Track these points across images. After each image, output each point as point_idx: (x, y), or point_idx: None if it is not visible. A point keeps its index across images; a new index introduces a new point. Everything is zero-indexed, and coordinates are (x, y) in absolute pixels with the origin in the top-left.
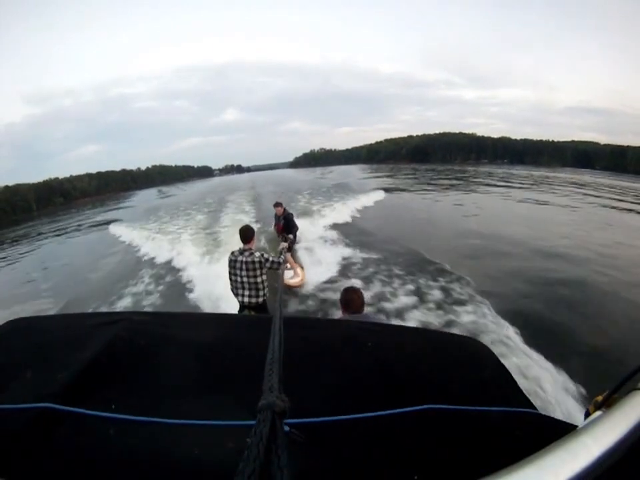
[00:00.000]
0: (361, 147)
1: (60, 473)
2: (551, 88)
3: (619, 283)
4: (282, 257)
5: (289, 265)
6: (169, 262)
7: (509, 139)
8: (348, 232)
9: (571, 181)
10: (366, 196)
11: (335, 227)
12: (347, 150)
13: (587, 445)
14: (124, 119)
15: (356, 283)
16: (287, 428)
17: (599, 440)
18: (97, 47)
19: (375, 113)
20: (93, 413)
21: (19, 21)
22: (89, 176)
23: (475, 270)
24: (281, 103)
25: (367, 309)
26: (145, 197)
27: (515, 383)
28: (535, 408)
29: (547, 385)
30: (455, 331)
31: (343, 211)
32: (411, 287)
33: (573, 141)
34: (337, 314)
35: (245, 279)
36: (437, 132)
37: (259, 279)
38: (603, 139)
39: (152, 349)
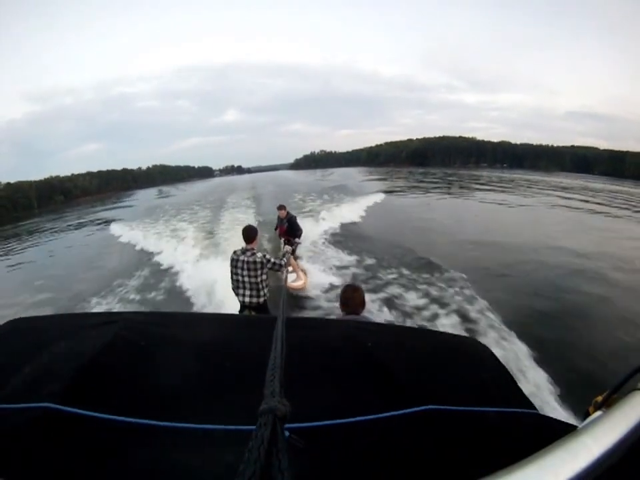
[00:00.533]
0: (361, 150)
1: (60, 473)
2: (552, 92)
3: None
4: (284, 259)
5: (291, 269)
6: (168, 261)
7: (509, 144)
8: (346, 233)
9: (553, 184)
10: (359, 198)
11: (333, 227)
12: (347, 152)
13: (587, 445)
14: (125, 118)
15: (356, 282)
16: (287, 433)
17: (599, 440)
18: (98, 46)
19: (375, 116)
20: (93, 414)
21: (20, 20)
22: (90, 174)
23: (456, 263)
24: (281, 104)
25: (366, 311)
26: (145, 197)
27: (515, 383)
28: (535, 408)
29: (547, 385)
30: (454, 331)
31: (341, 213)
32: (399, 278)
33: (572, 146)
34: (338, 314)
35: (245, 279)
36: (437, 136)
37: (259, 279)
38: (603, 144)
39: (152, 349)
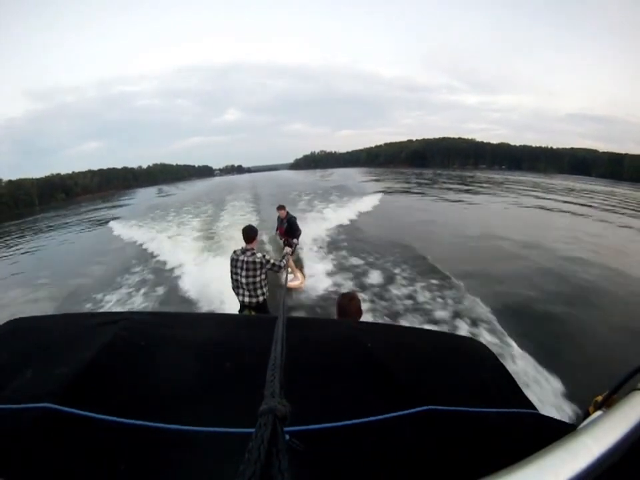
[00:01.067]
0: (361, 150)
1: (60, 473)
2: (552, 94)
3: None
4: (283, 261)
5: (289, 269)
6: (168, 260)
7: (508, 145)
8: (342, 231)
9: (542, 185)
10: (355, 199)
11: (331, 227)
12: (347, 153)
13: (587, 445)
14: (126, 117)
15: (352, 282)
16: (287, 437)
17: (599, 440)
18: (99, 45)
19: (376, 117)
20: (93, 414)
21: (21, 19)
22: (91, 172)
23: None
24: (282, 104)
25: (363, 318)
26: (146, 196)
27: (515, 383)
28: (535, 408)
29: (547, 385)
30: (455, 331)
31: (338, 212)
32: (396, 276)
33: (571, 148)
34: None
35: (244, 279)
36: (437, 137)
37: (257, 279)
38: (602, 146)
39: (152, 349)
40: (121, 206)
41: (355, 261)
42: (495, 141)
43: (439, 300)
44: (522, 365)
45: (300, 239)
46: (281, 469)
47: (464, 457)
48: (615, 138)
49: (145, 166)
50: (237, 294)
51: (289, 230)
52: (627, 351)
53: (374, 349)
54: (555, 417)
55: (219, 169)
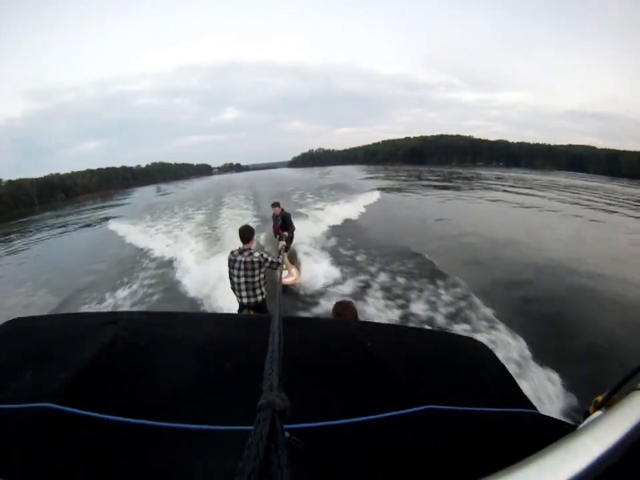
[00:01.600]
0: (359, 148)
1: (60, 473)
2: (551, 91)
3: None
4: (280, 256)
5: (284, 266)
6: (167, 259)
7: (506, 142)
8: (338, 230)
9: (527, 181)
10: (350, 196)
11: (329, 225)
12: (345, 150)
13: (587, 445)
14: (125, 116)
15: (350, 280)
16: (286, 434)
17: (599, 440)
18: (98, 45)
19: (374, 114)
20: (93, 414)
21: (20, 19)
22: (90, 172)
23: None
24: (281, 102)
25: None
26: (144, 195)
27: (515, 383)
28: (535, 408)
29: (547, 386)
30: (454, 331)
31: (336, 210)
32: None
33: (569, 145)
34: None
35: (242, 279)
36: (435, 134)
37: (256, 279)
38: (601, 143)
39: (152, 348)
40: (119, 205)
41: (353, 257)
42: (493, 138)
43: (434, 296)
44: (522, 365)
45: (297, 236)
46: (280, 465)
47: (464, 456)
48: (615, 135)
49: (143, 165)
50: (236, 294)
51: (283, 226)
52: (627, 350)
53: (374, 349)
54: (555, 417)
55: (218, 168)
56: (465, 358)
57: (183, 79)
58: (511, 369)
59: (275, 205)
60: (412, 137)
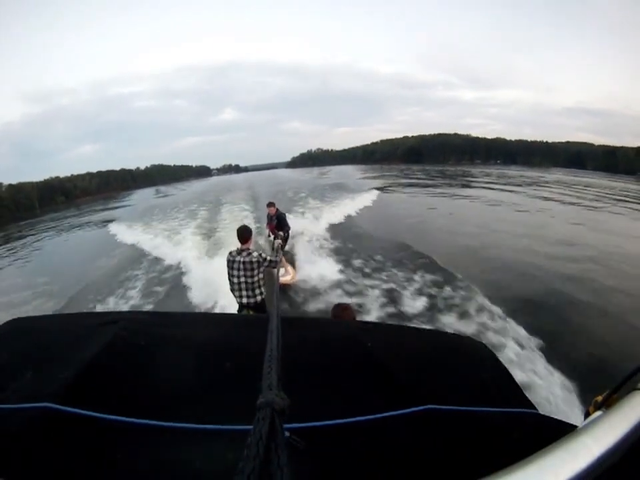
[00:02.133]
0: (357, 148)
1: (60, 473)
2: (549, 89)
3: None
4: (279, 256)
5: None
6: (167, 261)
7: (503, 140)
8: (340, 229)
9: (508, 177)
10: (348, 195)
11: (328, 224)
12: (344, 150)
13: (587, 445)
14: (123, 118)
15: (349, 277)
16: (286, 434)
17: (599, 440)
18: (97, 47)
19: (373, 114)
20: (93, 414)
21: (19, 20)
22: (90, 175)
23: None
24: (280, 102)
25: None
26: (144, 196)
27: (515, 383)
28: (535, 408)
29: (547, 386)
30: (454, 331)
31: (336, 210)
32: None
33: (567, 142)
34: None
35: (242, 279)
36: (433, 133)
37: (255, 279)
38: (599, 140)
39: (152, 348)
40: (119, 207)
41: (350, 255)
42: (491, 136)
43: (432, 292)
44: (522, 365)
45: (294, 235)
46: (280, 465)
47: (463, 456)
48: (612, 131)
49: (143, 167)
50: (235, 295)
51: (278, 226)
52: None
53: (374, 349)
54: (555, 417)
55: (217, 169)
56: (464, 358)
57: (182, 80)
58: (511, 368)
59: (270, 204)
60: (410, 135)
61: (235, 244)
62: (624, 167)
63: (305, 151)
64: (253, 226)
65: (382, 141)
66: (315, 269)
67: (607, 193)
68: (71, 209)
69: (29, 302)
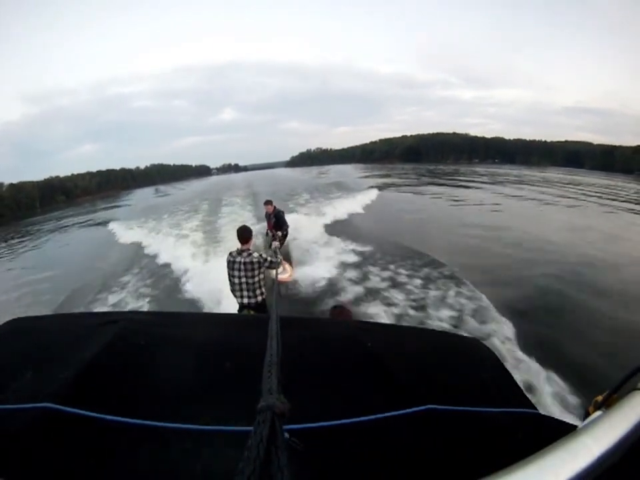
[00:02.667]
0: (356, 147)
1: (60, 473)
2: (548, 88)
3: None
4: (278, 256)
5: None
6: (167, 261)
7: (502, 139)
8: (339, 228)
9: (494, 175)
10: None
11: (328, 223)
12: (343, 149)
13: (587, 445)
14: (123, 118)
15: (349, 276)
16: (286, 435)
17: (599, 440)
18: (97, 46)
19: (372, 113)
20: (93, 414)
21: (19, 20)
22: (90, 174)
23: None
24: (280, 101)
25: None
26: (143, 196)
27: (516, 383)
28: (535, 408)
29: (547, 386)
30: (454, 331)
31: (335, 208)
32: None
33: (566, 141)
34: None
35: (243, 280)
36: (431, 132)
37: (256, 279)
38: (598, 139)
39: (151, 348)
40: (119, 206)
41: (353, 256)
42: (489, 135)
43: (432, 292)
44: (522, 364)
45: (293, 234)
46: (280, 466)
47: (463, 456)
48: (612, 130)
49: (142, 166)
50: (236, 295)
51: (276, 224)
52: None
53: (374, 349)
54: (555, 417)
55: (216, 168)
56: (464, 358)
57: (182, 80)
58: (510, 368)
59: (267, 203)
60: (409, 135)
61: (235, 244)
62: (621, 166)
63: (304, 150)
64: (251, 226)
65: (381, 140)
66: (312, 267)
67: (584, 190)
68: (71, 207)
69: (29, 302)
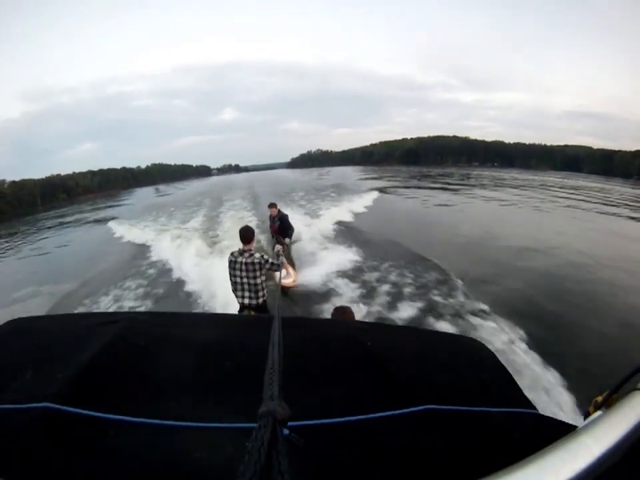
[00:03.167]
0: (357, 149)
1: (60, 473)
2: (549, 91)
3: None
4: (280, 259)
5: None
6: (168, 261)
7: (502, 143)
8: (339, 228)
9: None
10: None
11: (329, 224)
12: (343, 151)
13: (587, 445)
14: (124, 117)
15: (349, 278)
16: (286, 432)
17: (599, 440)
18: (97, 45)
19: (372, 115)
20: (93, 414)
21: (20, 20)
22: (91, 173)
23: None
24: (280, 102)
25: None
26: (144, 195)
27: (515, 383)
28: (535, 408)
29: (547, 386)
30: (454, 331)
31: (336, 210)
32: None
33: (565, 145)
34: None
35: (244, 280)
36: (431, 135)
37: (258, 280)
38: (599, 143)
39: (152, 349)
40: (120, 205)
41: (354, 257)
42: (489, 139)
43: (431, 293)
44: (522, 364)
45: (296, 237)
46: (280, 470)
47: (463, 456)
48: (613, 135)
49: (143, 166)
50: (237, 295)
51: (281, 227)
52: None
53: (374, 349)
54: (555, 417)
55: (217, 169)
56: (464, 358)
57: (182, 79)
58: (510, 368)
59: (272, 205)
60: (409, 137)
61: (236, 244)
62: (620, 170)
63: (304, 151)
64: (253, 227)
65: (380, 143)
66: (316, 271)
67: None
68: (73, 205)
69: (29, 302)
